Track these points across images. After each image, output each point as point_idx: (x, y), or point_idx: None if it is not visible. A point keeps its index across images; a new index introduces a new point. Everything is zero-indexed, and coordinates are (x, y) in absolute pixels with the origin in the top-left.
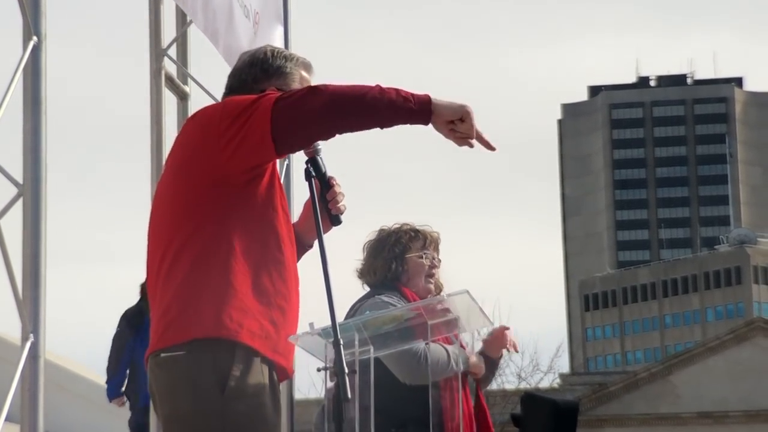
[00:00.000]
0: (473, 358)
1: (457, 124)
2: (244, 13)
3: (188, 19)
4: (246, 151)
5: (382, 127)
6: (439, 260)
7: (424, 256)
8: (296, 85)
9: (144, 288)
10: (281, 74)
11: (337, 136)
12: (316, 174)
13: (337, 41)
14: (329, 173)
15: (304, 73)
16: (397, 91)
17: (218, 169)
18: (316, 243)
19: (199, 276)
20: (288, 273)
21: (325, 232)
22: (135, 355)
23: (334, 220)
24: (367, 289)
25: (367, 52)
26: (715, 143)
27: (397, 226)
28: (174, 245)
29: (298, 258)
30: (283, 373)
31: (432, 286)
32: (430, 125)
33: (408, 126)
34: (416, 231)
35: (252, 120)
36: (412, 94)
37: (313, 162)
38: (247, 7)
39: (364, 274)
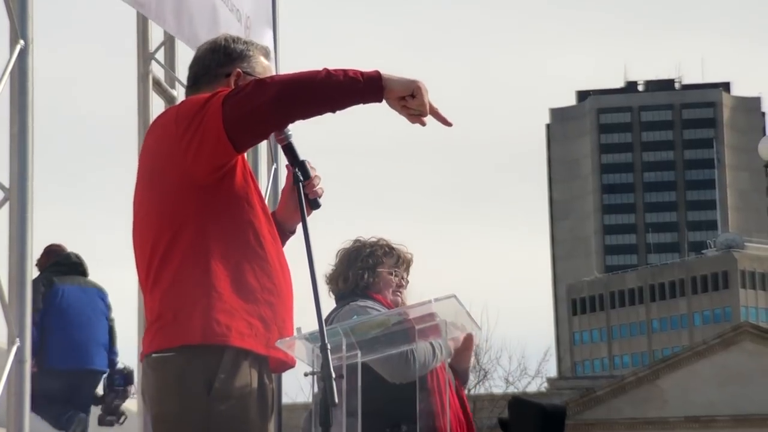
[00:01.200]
0: (450, 343)
1: (408, 100)
2: (236, 17)
3: None
4: (206, 152)
5: (334, 111)
6: (407, 281)
7: (394, 273)
8: (259, 69)
9: (53, 262)
10: (244, 57)
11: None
12: (303, 180)
13: (324, 45)
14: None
15: (262, 59)
16: (345, 72)
17: (186, 172)
18: (299, 228)
19: (183, 282)
20: (272, 268)
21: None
22: (45, 322)
23: (313, 204)
24: (332, 297)
25: (354, 57)
26: (702, 148)
27: (374, 239)
28: (157, 252)
29: (282, 244)
30: (280, 365)
31: (399, 299)
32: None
33: (391, 126)
34: (391, 248)
35: (205, 122)
36: (362, 73)
37: (287, 148)
38: (240, 11)
39: (333, 280)
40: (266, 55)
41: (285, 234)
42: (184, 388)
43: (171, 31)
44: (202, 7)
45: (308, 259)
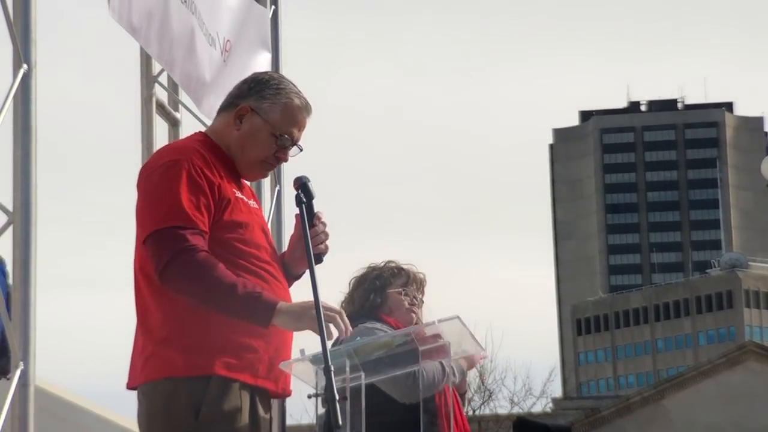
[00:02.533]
0: (462, 362)
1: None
2: (209, 41)
3: None
4: None
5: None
6: (422, 300)
7: (403, 293)
8: (271, 116)
9: None
10: (260, 98)
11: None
12: (306, 201)
13: (324, 66)
14: (317, 209)
15: (289, 106)
16: (247, 299)
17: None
18: (304, 273)
19: (171, 314)
20: None
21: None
22: None
23: (316, 258)
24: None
25: (355, 80)
26: (706, 168)
27: (383, 262)
28: (143, 285)
29: (289, 285)
30: (272, 394)
31: (414, 316)
32: None
33: (393, 149)
34: (400, 268)
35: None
36: (254, 309)
37: (303, 188)
38: (213, 36)
39: (344, 305)
40: (297, 101)
41: (290, 277)
42: (171, 413)
43: (153, 55)
44: (183, 31)
45: (311, 281)
